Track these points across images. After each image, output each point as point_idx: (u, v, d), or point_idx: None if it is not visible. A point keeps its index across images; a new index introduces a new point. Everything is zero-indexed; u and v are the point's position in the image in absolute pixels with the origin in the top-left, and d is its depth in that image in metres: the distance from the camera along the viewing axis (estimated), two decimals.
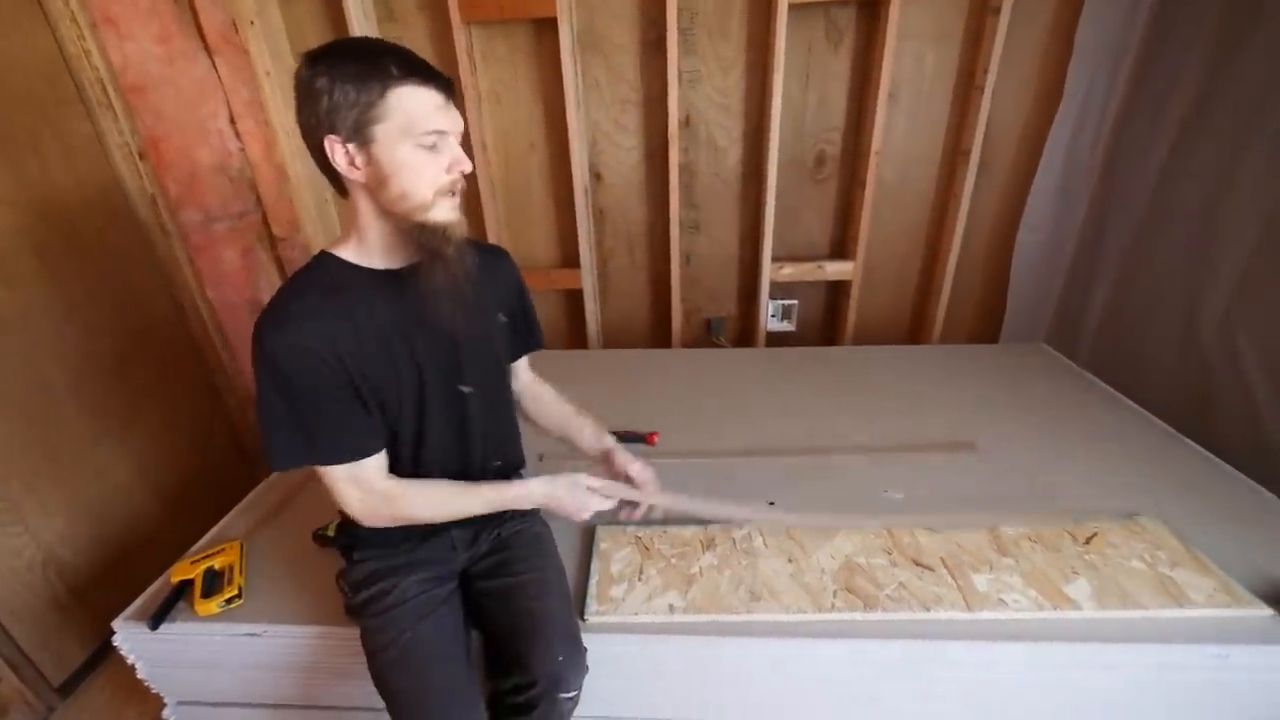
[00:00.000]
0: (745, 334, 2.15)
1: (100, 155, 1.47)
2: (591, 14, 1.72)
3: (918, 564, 1.04)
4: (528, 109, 1.85)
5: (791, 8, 1.61)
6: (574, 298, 2.08)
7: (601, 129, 1.87)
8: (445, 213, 0.80)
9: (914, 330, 2.12)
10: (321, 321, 0.78)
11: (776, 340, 2.10)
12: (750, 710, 1.04)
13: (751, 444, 1.44)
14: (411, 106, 0.73)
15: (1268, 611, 0.93)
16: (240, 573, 1.10)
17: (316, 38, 1.77)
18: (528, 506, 0.97)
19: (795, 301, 2.07)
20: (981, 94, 1.69)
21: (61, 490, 1.36)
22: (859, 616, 0.96)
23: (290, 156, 1.80)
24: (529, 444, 1.10)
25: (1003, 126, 1.78)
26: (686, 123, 1.85)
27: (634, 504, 1.03)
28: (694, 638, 0.96)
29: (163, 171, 1.58)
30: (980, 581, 1.00)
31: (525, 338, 1.06)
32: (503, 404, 1.02)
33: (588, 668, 0.90)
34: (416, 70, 0.74)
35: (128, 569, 1.44)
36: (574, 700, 0.89)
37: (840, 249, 2.00)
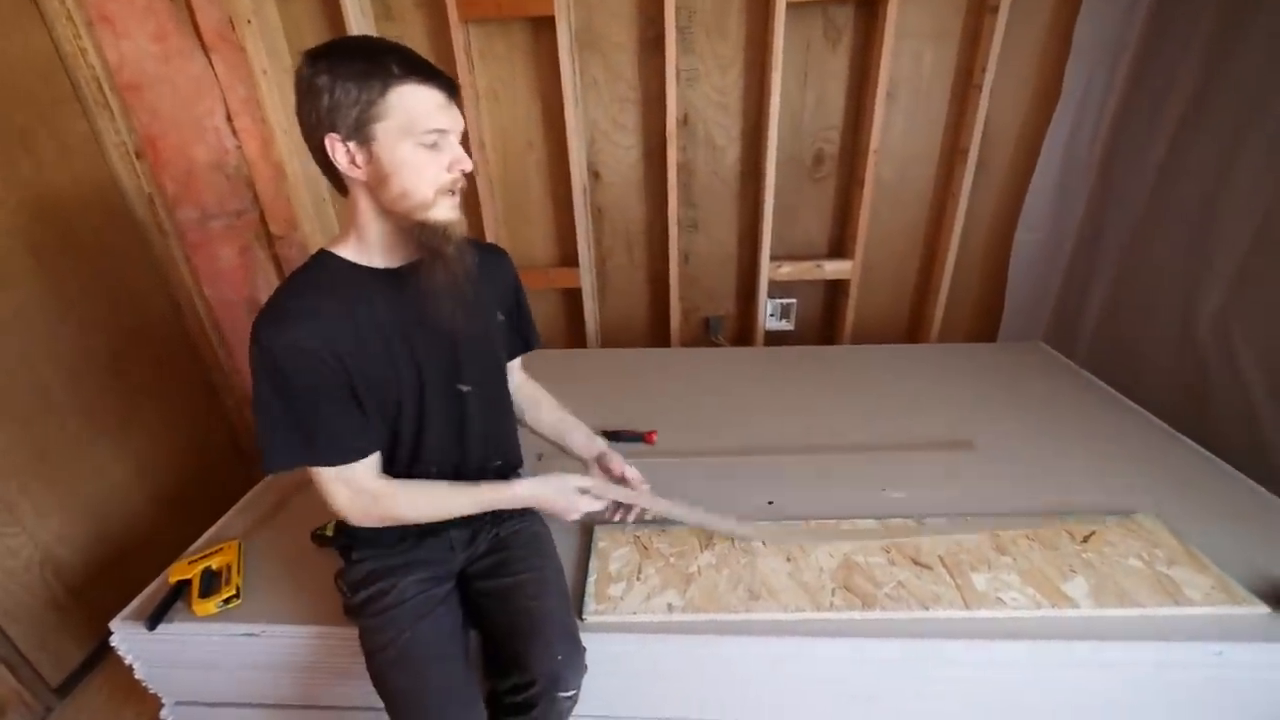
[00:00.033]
0: (744, 333, 2.15)
1: (96, 154, 1.47)
2: (589, 12, 1.72)
3: (916, 563, 1.04)
4: (526, 107, 1.85)
5: (789, 6, 1.60)
6: (572, 296, 2.07)
7: (600, 127, 1.87)
8: (446, 211, 0.80)
9: (912, 329, 2.12)
10: (321, 321, 0.78)
11: (775, 339, 2.10)
12: (749, 709, 1.04)
13: (750, 443, 1.44)
14: (412, 105, 0.73)
15: (1264, 609, 0.93)
16: (238, 573, 1.09)
17: (313, 36, 1.76)
18: (516, 507, 0.97)
19: (794, 300, 2.07)
20: (979, 93, 1.69)
21: (58, 490, 1.36)
22: (857, 615, 0.96)
23: (288, 154, 1.80)
24: (528, 444, 1.10)
25: (1001, 125, 1.78)
26: (685, 121, 1.84)
27: (626, 506, 1.03)
28: (692, 637, 0.96)
29: (159, 170, 1.58)
30: (978, 580, 1.00)
31: (520, 338, 1.06)
32: (501, 404, 1.02)
33: (586, 667, 0.90)
34: (418, 69, 0.74)
35: (125, 569, 1.44)
36: (573, 700, 0.89)
37: (839, 248, 2.00)
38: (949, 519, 1.14)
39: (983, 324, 2.08)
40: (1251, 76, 1.33)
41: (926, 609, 0.96)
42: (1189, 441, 1.36)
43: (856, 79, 1.77)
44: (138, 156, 1.53)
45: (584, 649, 0.90)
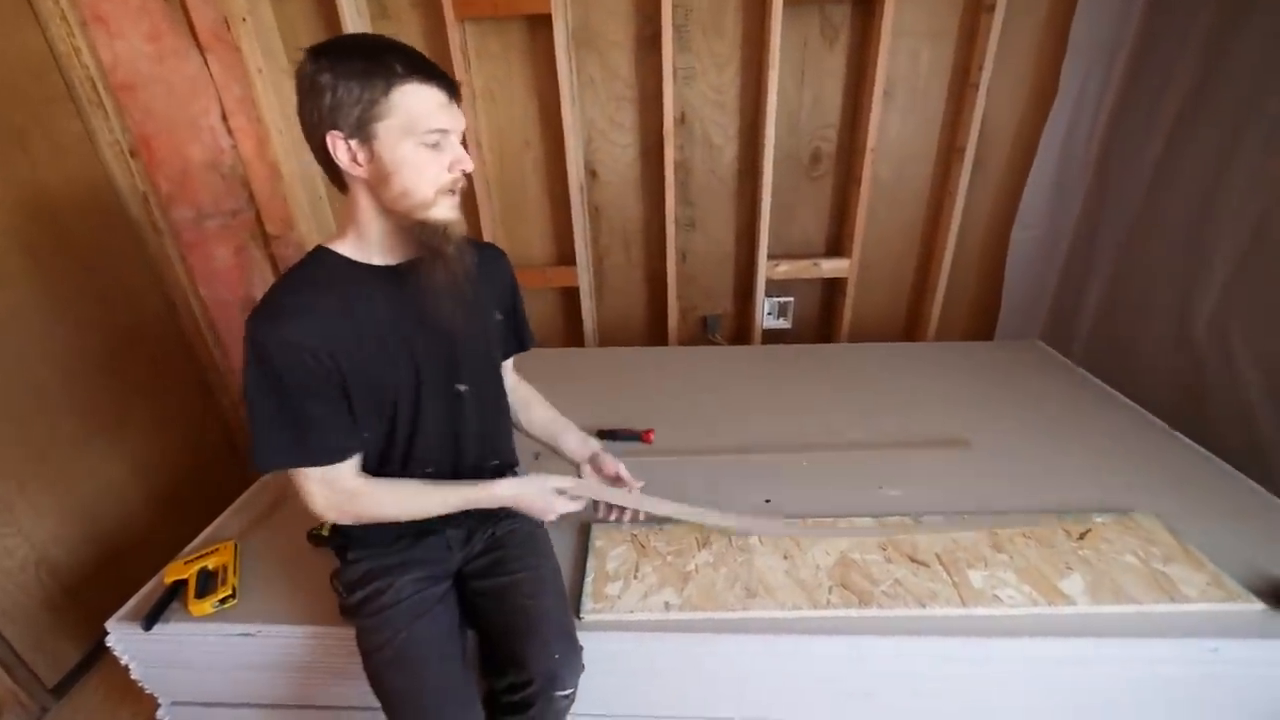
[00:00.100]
0: (741, 331, 2.15)
1: (90, 153, 1.46)
2: (586, 10, 1.72)
3: (913, 560, 1.05)
4: (522, 106, 1.85)
5: (786, 4, 1.60)
6: (570, 295, 2.07)
7: (596, 126, 1.87)
8: (446, 211, 0.80)
9: (909, 327, 2.12)
10: (317, 317, 0.77)
11: (772, 337, 2.10)
12: (746, 707, 1.04)
13: (747, 441, 1.44)
14: (414, 105, 0.73)
15: (1260, 606, 0.93)
16: (234, 573, 1.09)
17: (309, 35, 1.76)
18: (494, 506, 0.96)
19: (791, 299, 2.07)
20: (976, 91, 1.69)
21: (53, 490, 1.35)
22: (854, 613, 0.96)
23: (283, 154, 1.79)
24: (525, 444, 1.09)
25: (998, 123, 1.79)
26: (682, 120, 1.84)
27: (619, 506, 1.03)
28: (690, 635, 0.96)
29: (154, 169, 1.57)
30: (975, 577, 1.00)
31: (516, 339, 1.06)
32: (497, 404, 1.01)
33: (583, 666, 0.90)
34: (421, 69, 0.74)
35: (121, 569, 1.43)
36: (570, 698, 0.89)
37: (836, 246, 2.00)
38: (946, 517, 1.14)
39: (980, 322, 2.09)
40: (1248, 74, 1.34)
41: (923, 606, 0.96)
42: (1186, 440, 1.36)
43: (853, 77, 1.77)
44: (132, 156, 1.53)
45: (581, 648, 0.90)
